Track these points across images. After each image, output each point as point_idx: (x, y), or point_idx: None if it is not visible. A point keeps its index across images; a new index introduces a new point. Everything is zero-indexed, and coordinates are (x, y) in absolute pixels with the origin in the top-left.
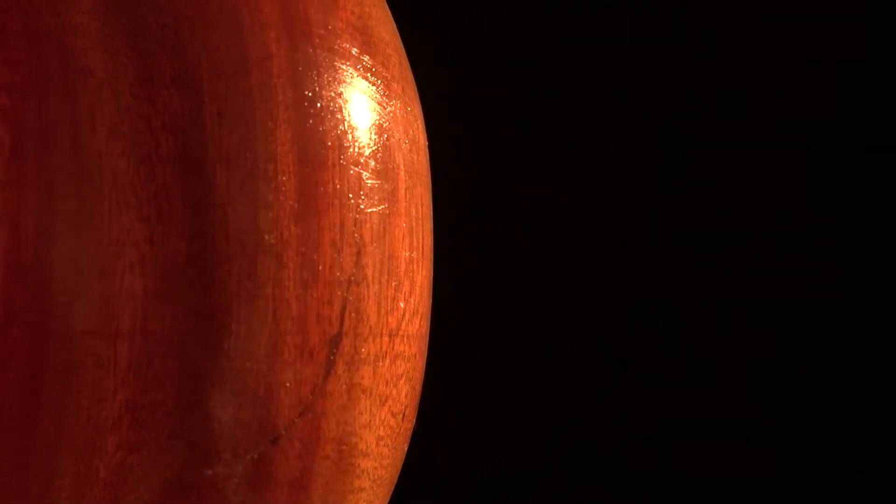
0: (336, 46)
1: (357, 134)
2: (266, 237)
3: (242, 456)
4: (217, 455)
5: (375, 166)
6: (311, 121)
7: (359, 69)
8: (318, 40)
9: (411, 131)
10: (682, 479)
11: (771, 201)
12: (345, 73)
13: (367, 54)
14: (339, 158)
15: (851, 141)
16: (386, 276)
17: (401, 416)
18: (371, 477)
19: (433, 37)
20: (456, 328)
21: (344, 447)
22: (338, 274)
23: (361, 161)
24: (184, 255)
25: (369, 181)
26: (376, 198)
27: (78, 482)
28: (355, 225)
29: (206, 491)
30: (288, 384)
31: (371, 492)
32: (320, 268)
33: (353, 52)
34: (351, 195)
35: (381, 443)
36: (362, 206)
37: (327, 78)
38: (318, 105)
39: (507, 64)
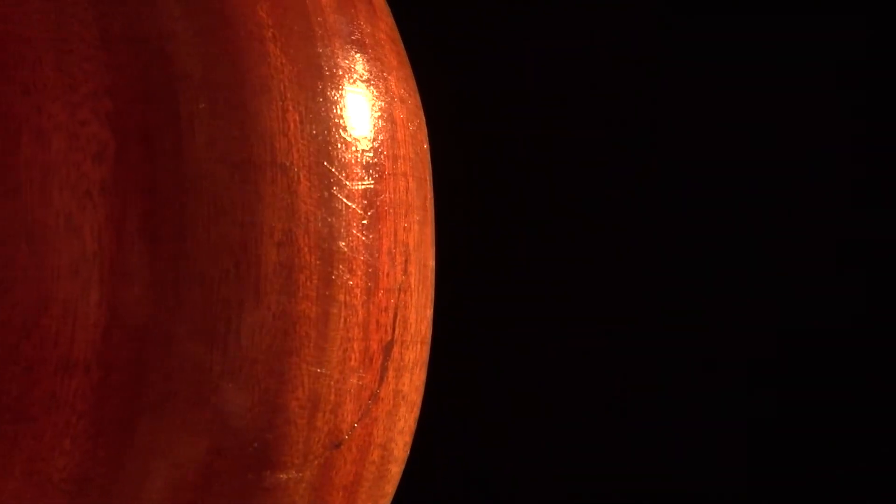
0: (384, 58)
1: (406, 143)
2: (341, 244)
3: (311, 461)
4: (291, 459)
5: (416, 175)
6: (372, 130)
7: (399, 83)
8: (370, 50)
9: (425, 139)
10: (681, 479)
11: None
12: (391, 85)
13: (405, 67)
14: (393, 168)
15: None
16: (421, 285)
17: (416, 423)
18: (394, 483)
19: (433, 37)
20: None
21: (385, 453)
22: (392, 282)
23: (407, 170)
24: (274, 262)
25: (412, 191)
26: (416, 206)
27: (168, 485)
28: (404, 233)
29: (279, 494)
30: (353, 390)
31: (390, 497)
32: (380, 275)
33: (395, 63)
34: (400, 204)
35: (405, 449)
36: (407, 215)
37: (382, 89)
38: (377, 115)
39: (508, 63)
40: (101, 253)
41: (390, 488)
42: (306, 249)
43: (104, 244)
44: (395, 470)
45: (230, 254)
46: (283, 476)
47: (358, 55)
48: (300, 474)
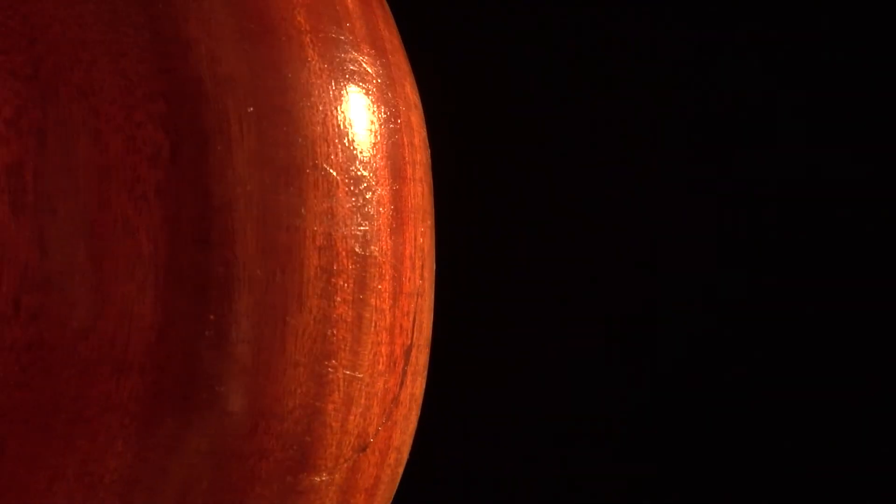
0: (400, 63)
1: (420, 149)
2: (373, 249)
3: (342, 464)
4: (325, 462)
5: (427, 180)
6: (396, 136)
7: (412, 88)
8: (390, 56)
9: (428, 144)
10: (681, 480)
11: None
12: (407, 90)
13: (412, 72)
14: (413, 172)
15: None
16: (431, 289)
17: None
18: (397, 485)
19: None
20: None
21: (399, 456)
22: (412, 286)
23: (422, 175)
24: (315, 266)
25: (426, 196)
26: (428, 211)
27: (213, 487)
28: (421, 238)
29: (311, 497)
30: (379, 393)
31: (391, 500)
32: (403, 280)
33: (407, 68)
34: (418, 209)
35: (410, 452)
36: (423, 220)
37: (401, 95)
38: (399, 121)
39: (508, 64)
40: (155, 255)
41: (395, 490)
42: (344, 254)
43: (159, 247)
44: (401, 472)
45: (276, 258)
46: (317, 479)
47: (381, 61)
48: (331, 477)
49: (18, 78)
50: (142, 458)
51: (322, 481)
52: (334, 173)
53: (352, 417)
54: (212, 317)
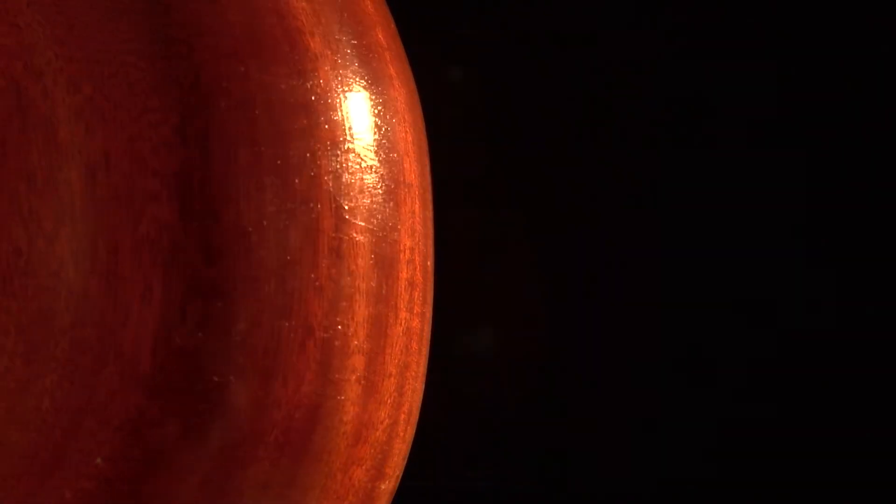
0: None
1: (427, 163)
2: (429, 263)
3: (399, 472)
4: (393, 471)
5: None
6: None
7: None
8: (409, 68)
9: None
10: (683, 479)
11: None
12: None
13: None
14: (431, 186)
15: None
16: None
17: None
18: None
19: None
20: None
21: (403, 463)
22: (432, 298)
23: (429, 191)
24: (404, 280)
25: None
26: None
27: (323, 495)
28: (431, 248)
29: None
30: (420, 402)
31: None
32: (431, 292)
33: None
34: (430, 220)
35: None
36: (432, 229)
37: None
38: (424, 133)
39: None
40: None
41: None
42: (419, 268)
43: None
44: None
45: (382, 270)
46: (383, 486)
47: (410, 72)
48: (392, 485)
49: (182, 87)
50: (277, 465)
51: (385, 488)
52: (414, 188)
53: (409, 427)
54: (339, 327)
